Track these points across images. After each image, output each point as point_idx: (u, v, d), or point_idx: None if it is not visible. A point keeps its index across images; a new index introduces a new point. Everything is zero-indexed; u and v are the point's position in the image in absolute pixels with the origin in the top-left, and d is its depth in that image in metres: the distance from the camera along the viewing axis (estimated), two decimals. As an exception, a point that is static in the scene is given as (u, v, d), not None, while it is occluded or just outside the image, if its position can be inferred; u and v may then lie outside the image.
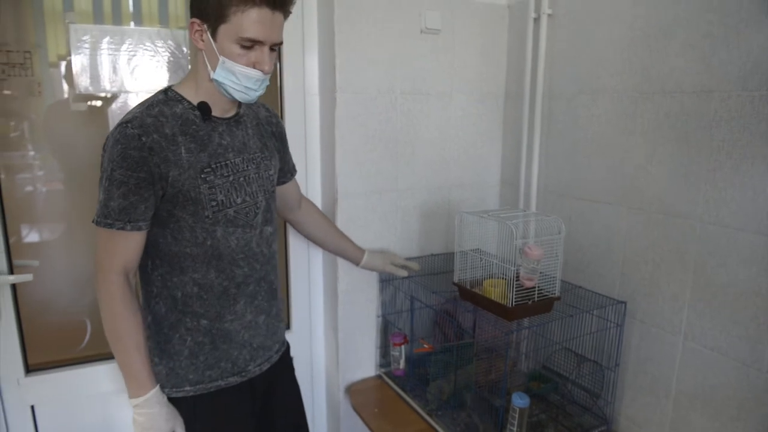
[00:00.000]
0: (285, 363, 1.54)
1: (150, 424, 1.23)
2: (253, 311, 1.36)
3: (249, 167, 1.31)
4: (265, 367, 1.42)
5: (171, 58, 1.73)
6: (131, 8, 1.68)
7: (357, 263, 1.73)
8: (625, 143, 1.62)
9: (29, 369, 1.71)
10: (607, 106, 1.68)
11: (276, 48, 1.24)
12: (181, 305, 1.27)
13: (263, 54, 1.20)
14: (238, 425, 1.37)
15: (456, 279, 1.60)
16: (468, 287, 1.58)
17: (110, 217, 1.16)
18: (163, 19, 1.72)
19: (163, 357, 1.30)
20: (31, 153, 1.65)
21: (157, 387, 1.26)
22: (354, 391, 1.94)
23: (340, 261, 1.86)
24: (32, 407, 1.72)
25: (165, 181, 1.18)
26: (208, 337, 1.30)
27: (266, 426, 1.47)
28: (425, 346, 1.71)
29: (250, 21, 1.15)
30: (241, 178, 1.29)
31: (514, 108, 2.03)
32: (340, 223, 1.82)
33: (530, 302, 1.44)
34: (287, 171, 1.57)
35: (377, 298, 1.96)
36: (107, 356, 1.80)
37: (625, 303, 1.60)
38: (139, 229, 1.19)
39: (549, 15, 1.84)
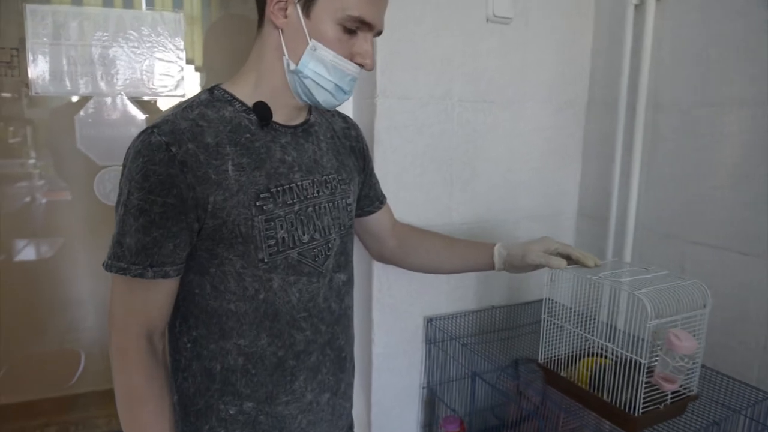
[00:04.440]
0: None
1: None
2: (315, 389, 1.00)
3: (321, 193, 0.97)
4: None
5: (160, 50, 1.31)
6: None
7: (491, 269, 1.19)
8: (780, 174, 1.17)
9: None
10: (744, 123, 1.23)
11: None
12: (218, 383, 0.93)
13: (367, 43, 0.90)
14: None
15: (541, 359, 1.16)
16: (560, 373, 1.13)
17: (124, 259, 0.84)
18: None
19: None
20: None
21: None
22: (390, 482, 1.51)
23: (376, 316, 1.42)
24: None
25: (203, 209, 0.85)
26: (250, 428, 0.95)
27: None
28: (494, 445, 1.28)
29: None
30: (310, 208, 0.95)
31: (600, 120, 1.59)
32: (376, 269, 1.39)
33: (662, 407, 0.99)
34: (374, 198, 1.19)
35: (421, 363, 1.52)
36: None
37: (777, 397, 1.15)
38: (166, 275, 0.86)
39: (658, 0, 1.39)
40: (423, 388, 1.53)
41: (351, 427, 1.17)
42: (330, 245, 0.98)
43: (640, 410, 0.96)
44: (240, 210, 0.86)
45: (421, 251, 1.23)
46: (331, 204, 0.99)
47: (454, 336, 1.44)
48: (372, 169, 1.19)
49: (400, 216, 1.30)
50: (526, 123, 1.54)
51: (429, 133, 1.40)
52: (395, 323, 1.45)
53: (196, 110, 0.88)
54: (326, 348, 1.01)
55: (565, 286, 1.14)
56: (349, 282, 1.07)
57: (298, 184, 0.94)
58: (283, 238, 0.91)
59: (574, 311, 1.14)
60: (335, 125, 1.09)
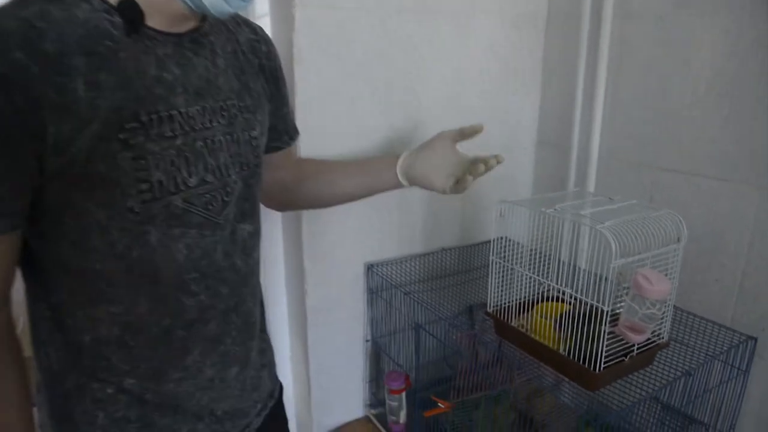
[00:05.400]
0: (275, 419, 1.00)
1: None
2: (217, 363, 0.82)
3: (214, 123, 0.76)
4: None
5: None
6: None
7: (400, 186, 1.04)
8: (763, 89, 1.00)
9: None
10: (727, 29, 1.06)
11: None
12: (89, 358, 0.75)
13: None
14: None
15: (490, 307, 1.00)
16: (510, 323, 0.98)
17: None
18: None
19: None
20: None
21: None
22: (334, 444, 1.38)
23: (307, 265, 1.25)
24: None
25: (41, 141, 0.63)
26: (135, 409, 0.78)
27: None
28: (441, 405, 1.13)
29: None
30: (199, 143, 0.74)
31: (562, 35, 1.39)
32: (306, 219, 1.21)
33: (627, 359, 0.85)
34: (284, 131, 0.98)
35: (364, 314, 1.36)
36: None
37: (755, 339, 1.02)
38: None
39: None
40: (366, 341, 1.38)
41: (273, 394, 1.00)
42: (229, 189, 0.78)
43: (602, 365, 0.81)
44: (96, 144, 0.64)
45: (318, 193, 1.06)
46: (228, 137, 0.78)
47: (396, 284, 1.27)
48: (286, 96, 0.98)
49: (327, 152, 1.11)
50: (476, 39, 1.34)
51: (361, 51, 1.19)
52: (331, 272, 1.28)
53: (34, 6, 0.64)
54: (230, 314, 0.83)
55: (518, 221, 0.97)
56: (257, 233, 0.88)
57: (182, 111, 0.72)
58: (161, 181, 0.70)
59: (529, 251, 0.98)
60: (240, 37, 0.86)
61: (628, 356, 0.85)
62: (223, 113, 0.78)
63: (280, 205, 1.12)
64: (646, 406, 1.01)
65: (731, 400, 1.05)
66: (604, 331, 0.80)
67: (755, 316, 1.06)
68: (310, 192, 1.06)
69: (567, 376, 0.89)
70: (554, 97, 1.44)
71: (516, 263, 0.96)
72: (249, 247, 0.85)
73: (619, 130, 1.28)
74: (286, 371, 1.43)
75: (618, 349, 0.84)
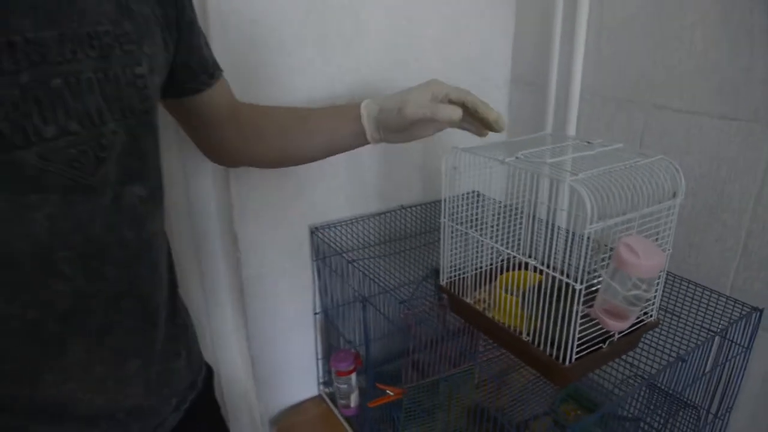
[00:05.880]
0: (200, 410, 0.83)
1: None
2: (109, 359, 0.66)
3: (80, 55, 0.57)
4: None
5: None
6: None
7: (364, 138, 0.85)
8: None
9: None
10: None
11: None
12: None
13: None
14: None
15: (444, 281, 0.82)
16: (466, 299, 0.80)
17: None
18: None
19: None
20: None
21: None
22: (284, 427, 1.23)
23: (240, 229, 1.07)
24: None
25: None
26: (4, 420, 0.61)
27: None
28: (390, 393, 0.96)
29: None
30: (57, 80, 0.55)
31: (539, -52, 1.17)
32: (234, 174, 1.02)
33: (606, 346, 0.68)
34: (200, 68, 0.78)
35: (313, 284, 1.19)
36: None
37: (760, 311, 0.86)
38: None
39: None
40: (316, 313, 1.21)
41: (194, 385, 0.83)
42: (104, 142, 0.59)
43: (573, 356, 0.64)
44: None
45: (269, 135, 0.86)
46: (101, 75, 0.58)
47: (346, 248, 1.09)
48: (193, 23, 0.76)
49: (254, 96, 0.90)
50: (436, -46, 1.12)
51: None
52: (269, 237, 1.10)
53: None
54: (121, 301, 0.65)
55: (476, 174, 0.78)
56: (154, 197, 0.69)
57: (28, 36, 0.51)
58: (0, 131, 0.51)
59: (491, 211, 0.80)
60: None
61: (607, 342, 0.68)
62: (93, 43, 0.57)
63: (220, 160, 0.94)
64: (640, 394, 0.85)
65: (729, 380, 0.89)
66: (576, 314, 0.62)
67: (760, 284, 0.89)
68: (263, 149, 0.88)
69: (533, 367, 0.72)
70: (530, 25, 1.23)
71: (471, 227, 0.78)
72: (141, 216, 0.66)
73: (605, 62, 1.08)
74: (229, 346, 1.26)
75: (595, 333, 0.67)
